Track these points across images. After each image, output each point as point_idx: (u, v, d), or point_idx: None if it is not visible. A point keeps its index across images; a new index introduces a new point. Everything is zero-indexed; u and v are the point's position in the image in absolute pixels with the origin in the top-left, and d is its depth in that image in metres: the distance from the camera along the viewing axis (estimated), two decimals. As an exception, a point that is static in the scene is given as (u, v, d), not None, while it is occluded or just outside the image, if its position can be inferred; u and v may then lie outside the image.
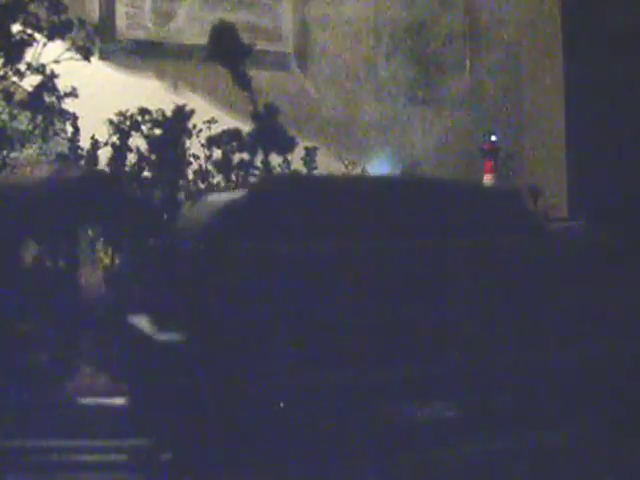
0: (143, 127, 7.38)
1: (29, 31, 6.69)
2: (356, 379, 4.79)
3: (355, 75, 11.27)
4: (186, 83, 10.02)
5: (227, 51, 6.95)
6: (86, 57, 7.13)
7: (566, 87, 11.07)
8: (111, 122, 7.36)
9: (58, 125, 7.27)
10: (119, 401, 5.34)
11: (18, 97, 6.88)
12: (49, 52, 6.87)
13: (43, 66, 6.84)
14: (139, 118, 7.41)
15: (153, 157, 7.39)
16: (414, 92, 11.49)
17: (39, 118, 6.93)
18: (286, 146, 7.19)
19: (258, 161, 7.27)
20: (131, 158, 7.40)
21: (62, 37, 6.97)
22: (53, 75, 6.89)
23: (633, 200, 9.23)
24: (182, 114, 7.44)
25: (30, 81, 6.80)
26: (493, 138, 10.29)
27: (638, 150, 9.98)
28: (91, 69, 7.28)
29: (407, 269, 5.01)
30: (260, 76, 7.42)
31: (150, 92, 9.37)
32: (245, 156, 7.35)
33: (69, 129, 7.43)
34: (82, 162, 7.36)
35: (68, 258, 6.23)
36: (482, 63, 11.78)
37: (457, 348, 5.01)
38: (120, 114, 7.37)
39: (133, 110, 7.38)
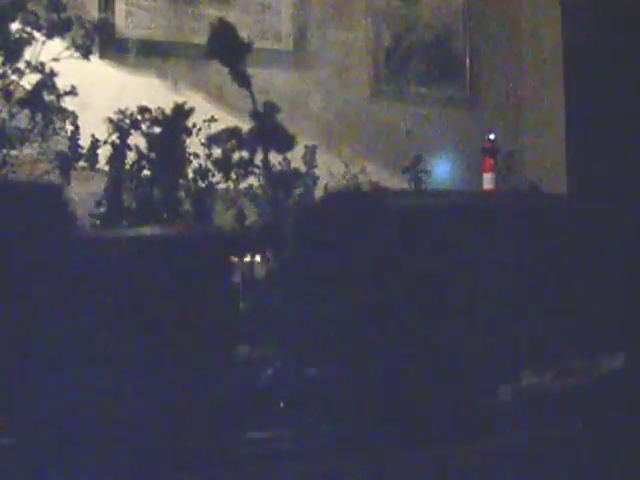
0: (143, 125, 7.36)
1: (28, 29, 6.67)
2: None
3: (355, 74, 11.28)
4: (186, 82, 10.02)
5: (227, 49, 6.93)
6: (85, 55, 7.10)
7: (566, 85, 11.08)
8: (111, 120, 7.33)
9: (57, 124, 7.25)
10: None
11: (17, 95, 6.85)
12: (48, 50, 6.85)
13: (42, 64, 6.80)
14: (139, 117, 7.38)
15: (153, 156, 7.36)
16: (414, 91, 11.50)
17: (38, 116, 6.91)
18: (285, 144, 7.18)
19: (258, 159, 7.26)
20: (131, 157, 7.38)
21: (61, 35, 6.95)
22: (52, 73, 6.87)
23: (633, 198, 9.25)
24: (181, 112, 7.41)
25: (29, 79, 6.78)
26: (492, 136, 10.27)
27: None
28: (91, 67, 7.27)
29: None
30: (260, 74, 7.41)
31: (150, 90, 9.36)
32: (245, 154, 7.34)
33: (69, 127, 7.42)
34: (82, 160, 7.33)
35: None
36: (482, 63, 11.79)
37: None
38: (120, 112, 7.34)
39: (133, 108, 7.36)
